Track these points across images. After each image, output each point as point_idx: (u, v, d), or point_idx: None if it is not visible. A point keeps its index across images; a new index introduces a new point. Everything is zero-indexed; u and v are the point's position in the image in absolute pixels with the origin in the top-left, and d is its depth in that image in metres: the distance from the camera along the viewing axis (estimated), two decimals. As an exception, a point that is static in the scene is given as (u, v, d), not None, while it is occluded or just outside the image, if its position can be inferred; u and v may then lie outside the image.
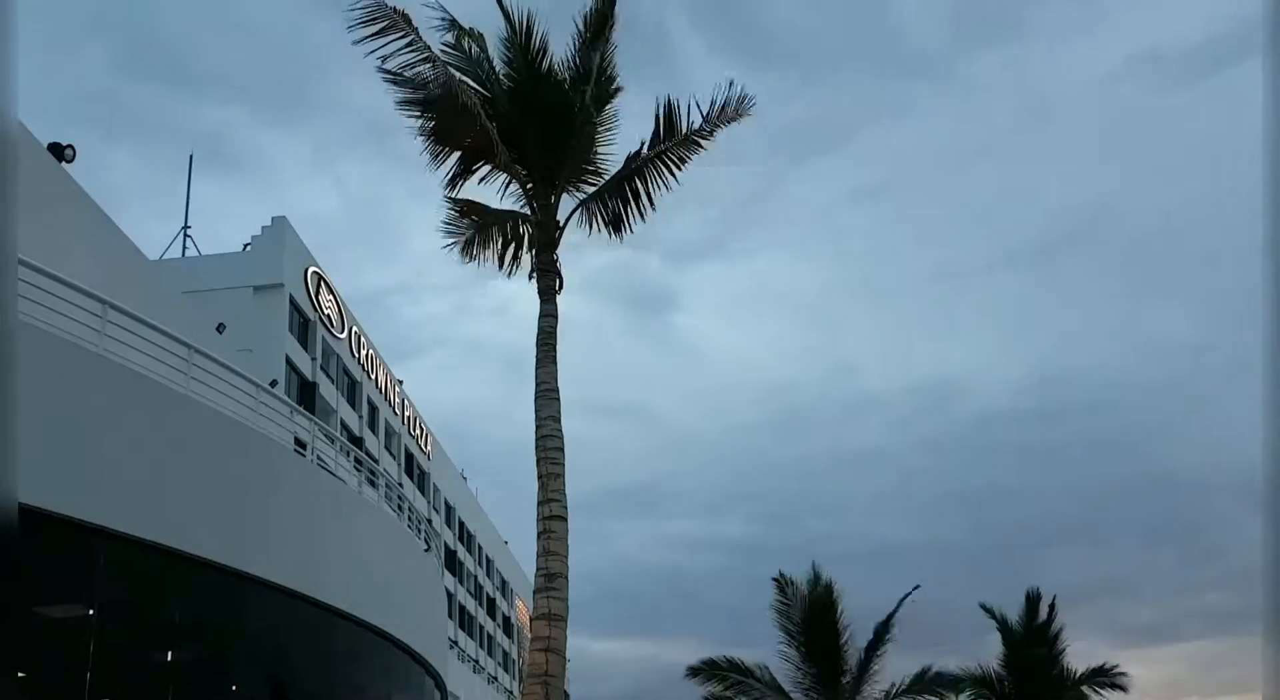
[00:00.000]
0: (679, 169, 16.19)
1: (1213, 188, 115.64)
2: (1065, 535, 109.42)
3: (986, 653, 30.53)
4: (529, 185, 16.14)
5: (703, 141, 16.07)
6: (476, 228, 16.80)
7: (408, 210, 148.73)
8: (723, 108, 15.87)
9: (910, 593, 25.34)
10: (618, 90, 16.34)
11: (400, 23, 14.04)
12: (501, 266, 16.80)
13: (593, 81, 15.75)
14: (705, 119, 15.88)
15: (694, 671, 25.02)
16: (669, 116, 15.90)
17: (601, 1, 15.60)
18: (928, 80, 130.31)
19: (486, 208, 16.66)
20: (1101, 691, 30.52)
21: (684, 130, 15.92)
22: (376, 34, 13.96)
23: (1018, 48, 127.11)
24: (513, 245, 16.76)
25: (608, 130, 16.50)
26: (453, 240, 16.91)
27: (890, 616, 25.05)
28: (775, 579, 25.50)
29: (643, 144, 16.09)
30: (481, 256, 16.94)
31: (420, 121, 15.26)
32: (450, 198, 16.60)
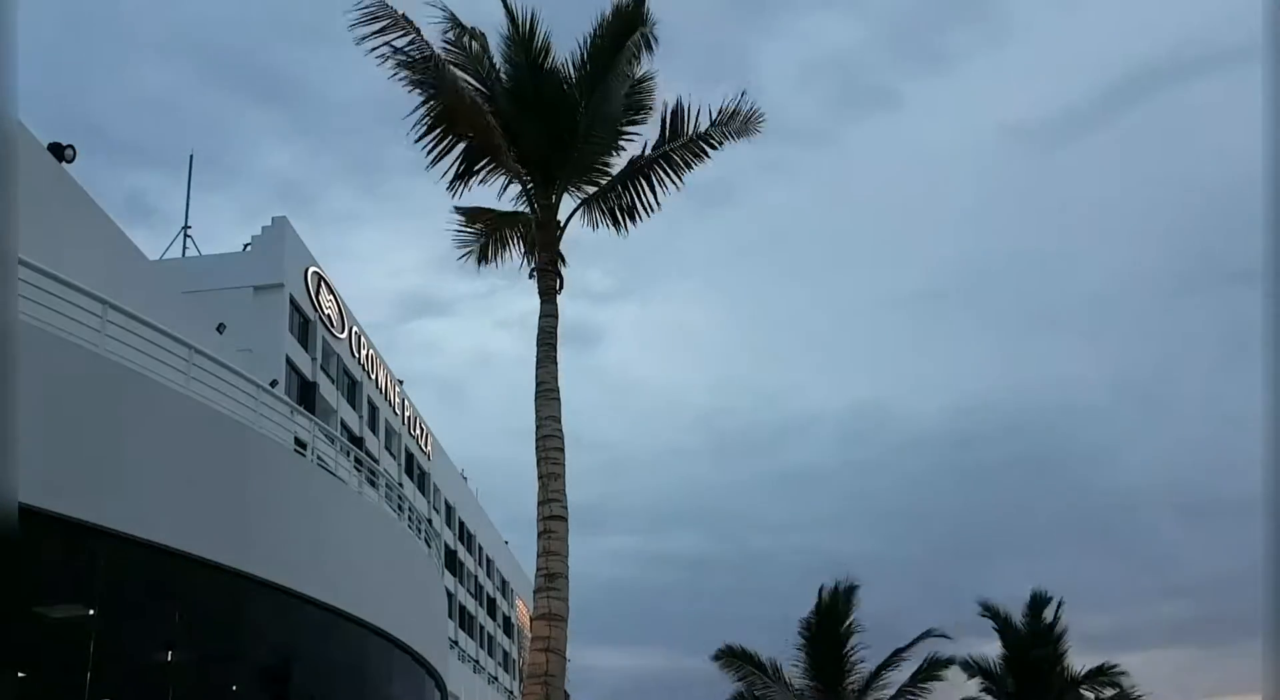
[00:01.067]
0: (685, 171, 16.31)
1: (1079, 239, 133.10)
2: (1004, 549, 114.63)
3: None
4: (529, 185, 16.13)
5: (709, 150, 16.19)
6: (487, 232, 16.94)
7: (327, 263, 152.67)
8: (733, 115, 15.98)
9: (933, 632, 26.17)
10: (644, 102, 16.36)
11: (401, 22, 14.10)
12: (525, 265, 16.75)
13: (622, 84, 15.74)
14: (713, 123, 15.99)
15: (719, 655, 26.43)
16: (675, 118, 16.00)
17: (628, 6, 15.49)
18: (812, 147, 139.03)
19: (494, 211, 16.77)
20: (1102, 692, 30.55)
21: (690, 133, 16.00)
22: (377, 33, 14.04)
23: (894, 118, 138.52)
24: (523, 245, 16.92)
25: (624, 135, 16.49)
26: (466, 250, 17.10)
27: (911, 645, 26.09)
28: (820, 592, 26.63)
29: (645, 145, 16.19)
30: (499, 260, 17.18)
31: (419, 120, 15.24)
32: (457, 207, 16.79)
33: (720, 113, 15.98)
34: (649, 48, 15.82)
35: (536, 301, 15.50)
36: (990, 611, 30.94)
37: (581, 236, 16.42)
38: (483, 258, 17.14)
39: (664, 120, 16.03)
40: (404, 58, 14.33)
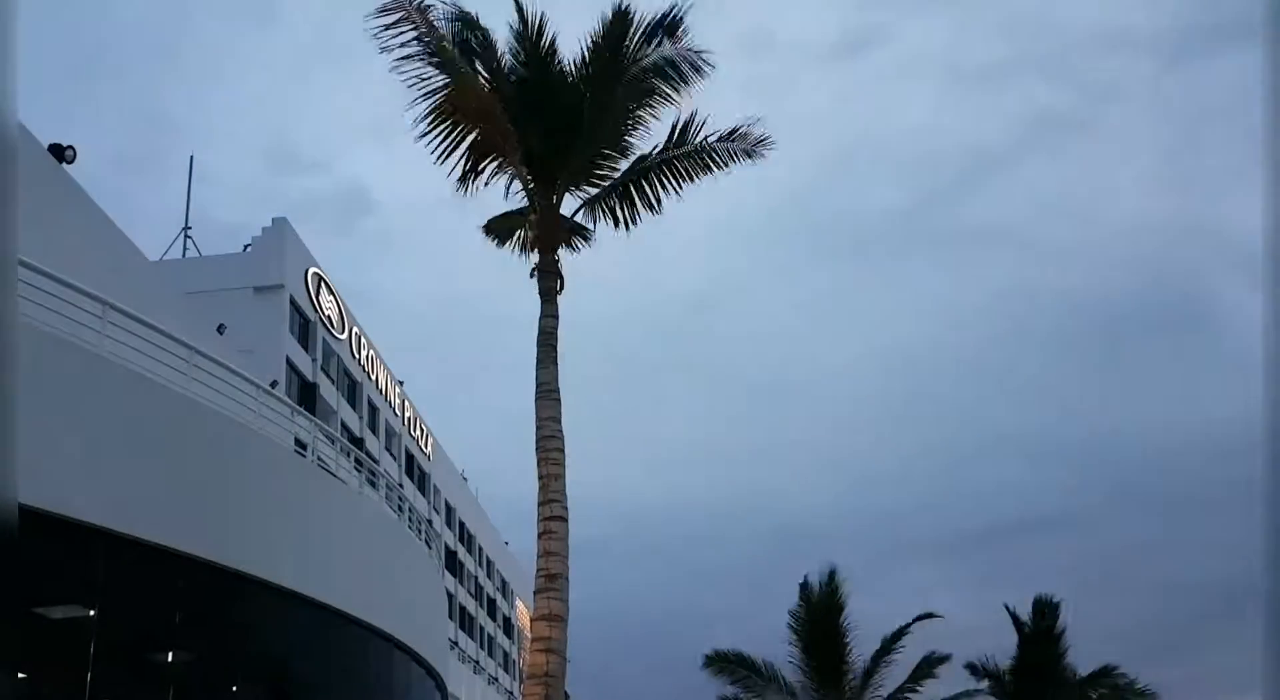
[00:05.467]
0: (688, 181, 16.39)
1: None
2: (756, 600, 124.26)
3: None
4: (531, 184, 16.12)
5: (715, 166, 16.26)
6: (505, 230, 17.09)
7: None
8: (742, 135, 16.07)
9: (925, 616, 26.35)
10: (647, 94, 16.40)
11: (414, 14, 14.27)
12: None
13: (621, 84, 15.77)
14: (721, 138, 16.05)
15: (709, 661, 26.14)
16: (685, 128, 16.06)
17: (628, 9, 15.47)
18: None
19: (513, 214, 16.99)
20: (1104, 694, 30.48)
21: (696, 143, 16.07)
22: (391, 25, 14.23)
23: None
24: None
25: (626, 134, 16.50)
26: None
27: (901, 631, 25.99)
28: (801, 584, 26.40)
29: (654, 147, 16.32)
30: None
31: (426, 119, 15.26)
32: (482, 228, 17.26)
33: (732, 133, 16.08)
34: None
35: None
36: (1011, 613, 30.97)
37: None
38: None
39: (674, 128, 16.09)
40: (418, 49, 14.51)
